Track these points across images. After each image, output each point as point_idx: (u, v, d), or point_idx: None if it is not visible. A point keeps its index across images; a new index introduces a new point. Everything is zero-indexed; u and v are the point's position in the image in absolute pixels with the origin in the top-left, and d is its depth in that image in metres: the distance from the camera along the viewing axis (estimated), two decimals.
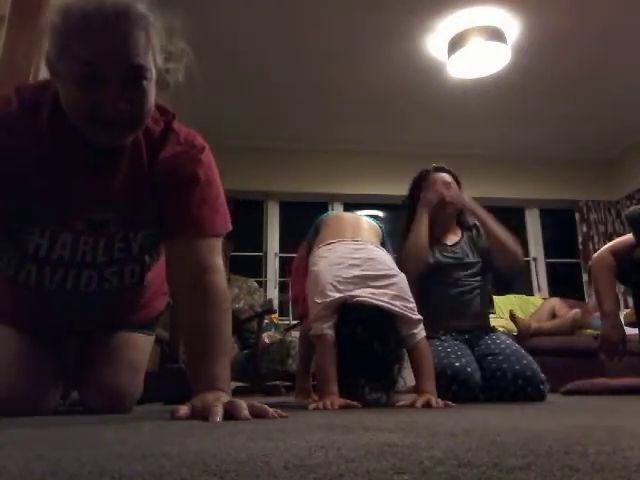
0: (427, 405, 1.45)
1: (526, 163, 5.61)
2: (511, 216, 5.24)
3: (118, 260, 1.29)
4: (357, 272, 1.66)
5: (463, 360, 1.90)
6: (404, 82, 4.45)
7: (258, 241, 5.43)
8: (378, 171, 5.46)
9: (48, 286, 1.28)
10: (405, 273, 1.74)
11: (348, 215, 2.15)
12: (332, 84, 4.47)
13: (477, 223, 2.32)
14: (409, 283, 1.73)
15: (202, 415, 0.93)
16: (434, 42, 3.97)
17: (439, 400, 1.49)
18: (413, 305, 1.66)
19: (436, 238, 2.20)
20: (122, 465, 0.45)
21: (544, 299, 4.59)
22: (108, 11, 0.99)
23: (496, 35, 3.80)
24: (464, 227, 2.29)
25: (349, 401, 1.47)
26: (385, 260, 1.77)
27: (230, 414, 0.92)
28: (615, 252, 2.27)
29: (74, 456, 0.50)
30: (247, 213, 5.43)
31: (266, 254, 5.37)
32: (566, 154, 5.67)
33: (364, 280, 1.64)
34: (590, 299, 4.31)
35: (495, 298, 4.26)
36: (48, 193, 1.17)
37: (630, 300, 3.14)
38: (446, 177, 2.23)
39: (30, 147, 1.13)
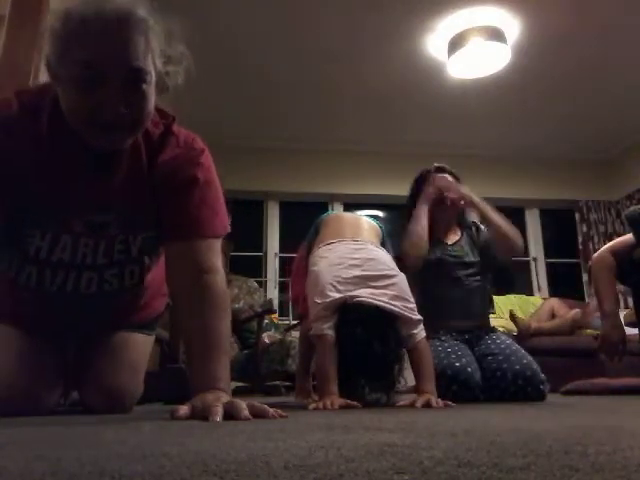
0: (427, 405, 1.45)
1: (526, 163, 5.61)
2: (511, 216, 5.23)
3: (118, 262, 1.30)
4: (357, 272, 1.66)
5: (463, 360, 1.90)
6: (404, 82, 4.45)
7: (258, 241, 5.43)
8: (378, 171, 5.46)
9: (48, 288, 1.29)
10: (406, 265, 1.75)
11: (348, 215, 2.15)
12: (332, 84, 4.47)
13: (476, 221, 2.33)
14: (409, 282, 1.73)
15: (202, 415, 0.93)
16: (434, 42, 3.97)
17: (439, 400, 1.49)
18: (413, 305, 1.66)
19: (437, 237, 2.21)
20: (122, 465, 0.45)
21: (544, 299, 4.59)
22: (108, 16, 1.00)
23: (496, 35, 3.80)
24: (464, 227, 2.30)
25: (349, 401, 1.47)
26: (385, 260, 1.77)
27: (230, 414, 0.92)
28: (615, 252, 2.27)
29: (74, 456, 0.50)
30: (247, 213, 5.43)
31: (266, 254, 5.37)
32: (566, 154, 5.67)
33: (364, 280, 1.64)
34: (591, 300, 4.30)
35: (495, 298, 4.26)
36: (48, 196, 1.18)
37: (630, 300, 3.14)
38: (447, 177, 2.24)
39: (30, 150, 1.13)
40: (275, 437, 0.65)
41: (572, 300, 4.44)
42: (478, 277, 2.19)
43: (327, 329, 1.58)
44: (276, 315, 4.38)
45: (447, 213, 2.23)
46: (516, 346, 2.04)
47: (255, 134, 5.26)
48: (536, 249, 5.67)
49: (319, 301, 1.61)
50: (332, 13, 3.64)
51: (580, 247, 5.58)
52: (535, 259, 5.65)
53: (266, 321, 3.90)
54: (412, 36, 3.91)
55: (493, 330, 2.19)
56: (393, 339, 1.59)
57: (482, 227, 2.29)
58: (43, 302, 1.33)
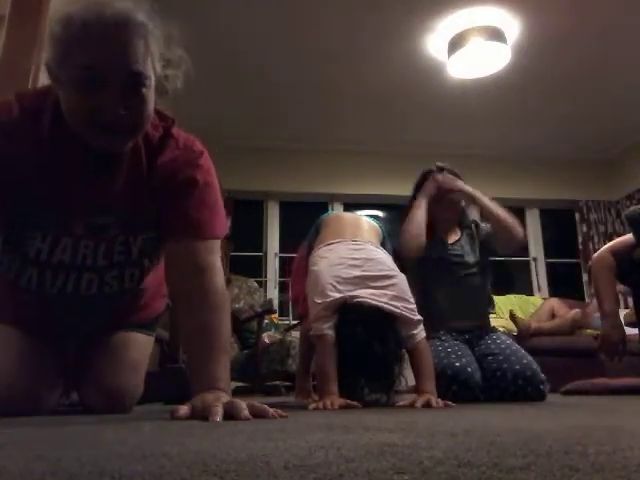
0: (427, 405, 1.45)
1: (526, 163, 5.61)
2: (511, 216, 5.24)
3: (118, 264, 1.31)
4: (357, 272, 1.66)
5: (463, 360, 1.90)
6: (404, 82, 4.45)
7: (258, 241, 5.43)
8: (378, 171, 5.46)
9: (49, 290, 1.29)
10: (404, 258, 1.75)
11: (348, 215, 2.15)
12: (332, 84, 4.47)
13: (476, 219, 2.33)
14: (409, 282, 1.73)
15: (202, 415, 0.93)
16: (434, 42, 3.97)
17: (439, 400, 1.49)
18: (413, 306, 1.66)
19: (438, 237, 2.21)
20: (122, 465, 0.45)
21: (544, 299, 4.59)
22: (108, 20, 1.01)
23: (496, 35, 3.80)
24: (464, 227, 2.30)
25: (349, 401, 1.47)
26: (385, 261, 1.77)
27: (230, 414, 0.92)
28: (615, 252, 2.27)
29: (74, 456, 0.50)
30: (247, 213, 5.44)
31: (266, 254, 5.37)
32: (566, 154, 5.67)
33: (364, 281, 1.64)
34: (591, 301, 4.30)
35: (495, 298, 4.25)
36: (49, 198, 1.18)
37: (630, 300, 3.14)
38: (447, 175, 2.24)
39: (31, 153, 1.14)
40: (275, 437, 0.65)
41: (572, 300, 4.44)
42: (478, 277, 2.19)
43: (327, 329, 1.58)
44: (276, 315, 4.38)
45: (447, 212, 2.23)
46: (516, 346, 2.04)
47: (255, 134, 5.26)
48: (536, 249, 5.67)
49: (319, 301, 1.62)
50: (332, 13, 3.64)
51: (580, 247, 5.58)
52: (535, 259, 5.65)
53: (266, 321, 3.91)
54: (412, 36, 3.91)
55: (493, 330, 2.19)
56: (393, 340, 1.59)
57: (482, 224, 2.29)
58: (44, 304, 1.33)
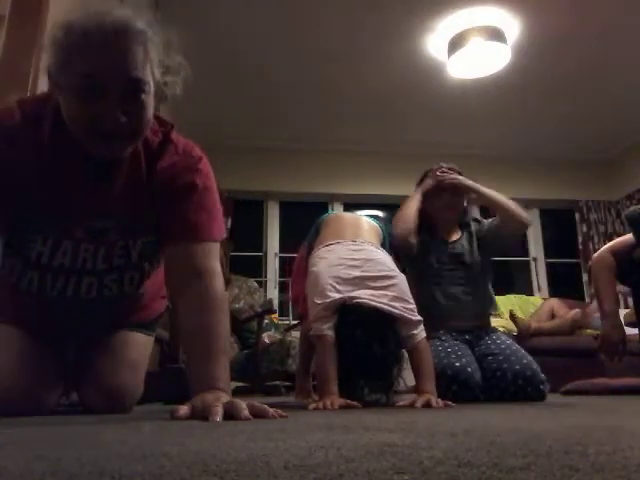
0: (427, 405, 1.45)
1: (526, 163, 5.61)
2: None
3: (118, 267, 1.32)
4: (357, 273, 1.66)
5: (463, 360, 1.89)
6: (404, 82, 4.45)
7: (258, 241, 5.43)
8: (378, 171, 5.46)
9: (49, 293, 1.30)
10: (396, 244, 1.76)
11: (348, 215, 2.15)
12: (332, 84, 4.47)
13: (478, 217, 2.33)
14: (409, 282, 1.73)
15: (202, 415, 0.93)
16: (434, 42, 3.97)
17: (439, 400, 1.49)
18: (413, 306, 1.66)
19: (439, 238, 2.22)
20: (122, 465, 0.45)
21: (544, 299, 4.59)
22: (108, 28, 1.02)
23: (496, 35, 3.80)
24: (464, 226, 2.30)
25: (349, 401, 1.47)
26: (385, 261, 1.77)
27: (230, 414, 0.92)
28: (615, 252, 2.27)
29: (74, 456, 0.50)
30: (247, 213, 5.44)
31: (266, 254, 5.37)
32: (566, 154, 5.67)
33: (364, 281, 1.64)
34: (591, 301, 4.30)
35: (495, 298, 4.25)
36: (49, 204, 1.20)
37: (630, 300, 3.14)
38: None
39: (32, 159, 1.15)
40: (275, 437, 0.65)
41: (572, 300, 4.44)
42: (479, 276, 2.19)
43: (327, 329, 1.58)
44: (276, 315, 4.39)
45: (448, 212, 2.23)
46: (516, 346, 2.04)
47: (255, 134, 5.26)
48: (536, 249, 5.67)
49: (319, 301, 1.61)
50: (332, 13, 3.64)
51: (580, 247, 5.58)
52: (535, 259, 5.65)
53: (266, 321, 3.91)
54: (412, 36, 3.91)
55: (493, 330, 2.19)
56: (392, 340, 1.59)
57: (484, 220, 2.30)
58: (44, 307, 1.34)
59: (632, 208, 2.30)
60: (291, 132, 5.26)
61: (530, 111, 4.92)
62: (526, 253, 5.65)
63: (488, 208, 2.29)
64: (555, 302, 4.18)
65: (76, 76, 1.04)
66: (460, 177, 2.21)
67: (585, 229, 5.55)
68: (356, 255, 1.73)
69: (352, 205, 5.41)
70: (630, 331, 2.37)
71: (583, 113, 4.94)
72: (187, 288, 1.15)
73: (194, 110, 4.06)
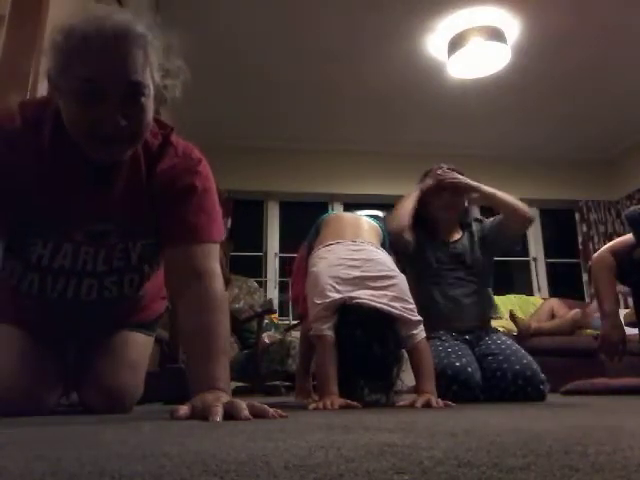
0: (427, 405, 1.45)
1: (526, 163, 5.61)
2: None
3: (117, 269, 1.32)
4: (357, 273, 1.66)
5: (464, 360, 1.89)
6: (404, 82, 4.45)
7: (258, 241, 5.43)
8: (378, 171, 5.46)
9: (50, 295, 1.31)
10: (391, 240, 1.77)
11: (348, 215, 2.15)
12: (332, 84, 4.47)
13: (479, 217, 2.33)
14: (409, 282, 1.73)
15: (202, 415, 0.93)
16: (434, 42, 3.97)
17: (439, 400, 1.49)
18: (413, 306, 1.66)
19: (440, 238, 2.22)
20: (122, 465, 0.45)
21: (544, 299, 4.59)
22: (108, 33, 1.02)
23: (496, 35, 3.80)
24: (465, 227, 2.30)
25: (349, 401, 1.47)
26: (385, 261, 1.77)
27: (230, 414, 0.92)
28: (615, 252, 2.27)
29: (74, 456, 0.50)
30: (247, 213, 5.44)
31: (266, 254, 5.38)
32: (566, 154, 5.67)
33: (363, 281, 1.64)
34: (591, 301, 4.30)
35: (495, 298, 4.25)
36: (50, 209, 1.20)
37: (630, 300, 3.14)
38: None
39: (32, 163, 1.15)
40: (275, 437, 0.65)
41: (572, 300, 4.44)
42: (479, 277, 2.19)
43: (327, 329, 1.58)
44: (276, 315, 4.39)
45: (448, 212, 2.23)
46: (516, 346, 2.04)
47: (255, 134, 5.26)
48: (536, 249, 5.67)
49: (319, 302, 1.61)
50: (332, 13, 3.64)
51: (580, 247, 5.58)
52: (535, 259, 5.65)
53: (266, 321, 3.91)
54: (412, 36, 3.91)
55: (493, 330, 2.19)
56: (392, 341, 1.59)
57: (485, 219, 2.30)
58: (45, 309, 1.34)
59: (632, 208, 2.30)
60: (291, 132, 5.26)
61: (530, 111, 4.92)
62: (526, 253, 5.65)
63: (490, 208, 2.29)
64: (555, 302, 4.18)
65: (76, 80, 1.04)
66: (460, 176, 2.21)
67: (585, 229, 5.55)
68: (356, 255, 1.73)
69: (352, 205, 5.41)
70: (630, 331, 2.37)
71: (583, 113, 4.94)
72: (187, 289, 1.15)
73: (194, 110, 4.05)
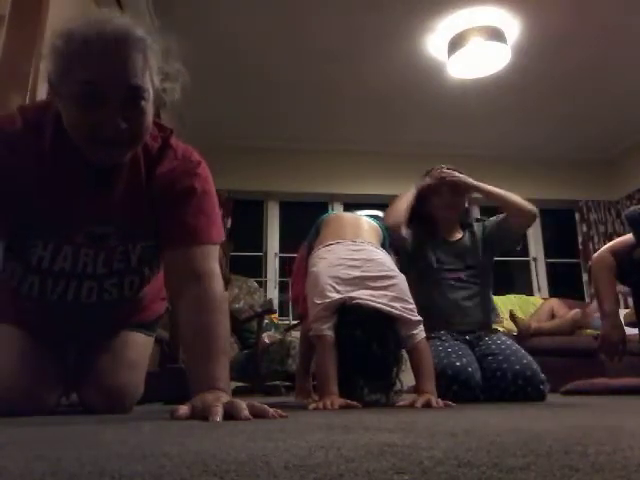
0: (427, 405, 1.45)
1: (526, 163, 5.61)
2: None
3: (118, 271, 1.33)
4: (356, 273, 1.66)
5: (464, 360, 1.89)
6: (404, 82, 4.45)
7: (258, 241, 5.43)
8: (378, 171, 5.46)
9: (50, 297, 1.31)
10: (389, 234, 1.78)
11: (348, 215, 2.15)
12: (332, 84, 4.47)
13: (480, 217, 2.34)
14: (409, 283, 1.73)
15: (202, 415, 0.93)
16: (434, 42, 3.97)
17: (439, 400, 1.49)
18: (413, 306, 1.66)
19: (440, 238, 2.22)
20: (122, 465, 0.45)
21: (544, 299, 4.59)
22: (108, 37, 1.03)
23: (496, 35, 3.80)
24: (465, 227, 2.30)
25: (349, 401, 1.47)
26: (385, 261, 1.77)
27: (230, 414, 0.92)
28: (615, 252, 2.27)
29: (74, 456, 0.50)
30: (247, 213, 5.44)
31: (266, 254, 5.38)
32: (566, 154, 5.67)
33: (363, 281, 1.64)
34: (591, 301, 4.30)
35: (495, 298, 4.25)
36: (50, 211, 1.20)
37: (630, 300, 3.14)
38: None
39: (33, 166, 1.16)
40: (275, 437, 0.65)
41: (572, 300, 4.44)
42: (479, 277, 2.19)
43: (327, 329, 1.58)
44: (276, 315, 4.39)
45: (449, 212, 2.23)
46: (516, 346, 2.04)
47: (255, 134, 5.26)
48: (536, 249, 5.67)
49: (318, 302, 1.61)
50: (332, 13, 3.64)
51: (580, 247, 5.58)
52: (535, 259, 5.65)
53: (266, 321, 3.91)
54: (412, 36, 3.91)
55: (494, 331, 2.19)
56: (392, 341, 1.59)
57: (487, 219, 2.30)
58: (45, 311, 1.35)
59: (632, 208, 2.30)
60: (291, 132, 5.26)
61: (530, 111, 4.92)
62: (526, 253, 5.65)
63: (490, 209, 2.29)
64: (555, 302, 4.18)
65: (76, 84, 1.05)
66: (461, 175, 2.21)
67: (585, 229, 5.55)
68: (356, 255, 1.73)
69: (352, 205, 5.41)
70: (630, 331, 2.37)
71: (583, 113, 4.94)
72: (186, 290, 1.15)
73: (194, 110, 4.05)
